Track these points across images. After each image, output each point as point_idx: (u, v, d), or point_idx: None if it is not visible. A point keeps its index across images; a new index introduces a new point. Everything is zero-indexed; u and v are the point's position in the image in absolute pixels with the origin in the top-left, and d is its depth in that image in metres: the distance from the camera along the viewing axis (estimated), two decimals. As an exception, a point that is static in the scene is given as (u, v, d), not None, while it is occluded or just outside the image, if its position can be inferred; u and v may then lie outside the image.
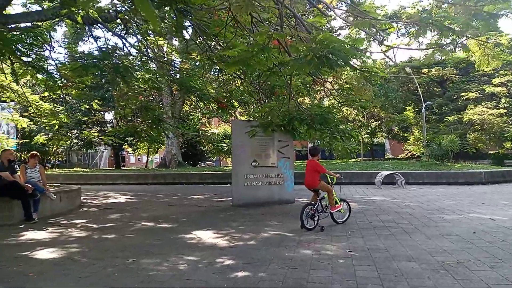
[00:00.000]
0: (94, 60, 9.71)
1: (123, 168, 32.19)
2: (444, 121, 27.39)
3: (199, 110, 27.43)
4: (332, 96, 9.51)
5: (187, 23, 10.50)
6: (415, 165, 19.16)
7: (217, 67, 10.44)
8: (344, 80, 8.88)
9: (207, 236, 5.63)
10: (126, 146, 31.44)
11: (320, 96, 23.78)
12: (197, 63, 15.10)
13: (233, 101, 11.56)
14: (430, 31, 6.39)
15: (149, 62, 14.58)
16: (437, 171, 16.30)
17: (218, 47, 9.90)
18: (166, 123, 14.11)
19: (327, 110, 8.32)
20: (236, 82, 15.72)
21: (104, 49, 10.21)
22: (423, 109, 25.49)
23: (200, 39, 10.73)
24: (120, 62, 8.74)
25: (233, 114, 16.50)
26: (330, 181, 6.52)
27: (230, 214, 7.96)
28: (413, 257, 4.34)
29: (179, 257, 4.40)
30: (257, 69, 5.86)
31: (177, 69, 15.17)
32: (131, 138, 27.77)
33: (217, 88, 13.76)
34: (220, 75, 16.50)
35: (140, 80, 10.73)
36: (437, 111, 29.32)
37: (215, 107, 14.22)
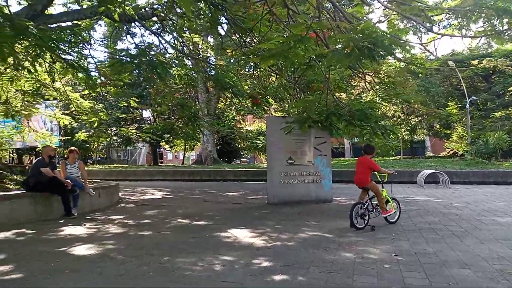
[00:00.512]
0: (129, 59, 9.84)
1: (160, 164, 32.84)
2: (490, 117, 25.85)
3: (233, 107, 27.51)
4: (372, 91, 9.08)
5: (222, 19, 10.40)
6: (460, 163, 18.18)
7: (252, 63, 10.26)
8: (385, 73, 8.43)
9: (242, 235, 5.46)
10: (163, 143, 32.01)
11: (357, 92, 23.10)
12: (232, 60, 15.02)
13: (268, 97, 11.34)
14: (483, 17, 5.87)
15: (185, 59, 14.64)
16: (484, 170, 15.35)
17: (253, 42, 9.73)
18: (201, 120, 14.12)
19: (368, 105, 7.93)
20: (271, 78, 15.52)
21: (140, 46, 10.29)
22: (467, 105, 24.16)
23: (235, 34, 10.62)
24: (155, 59, 8.74)
25: (268, 111, 16.30)
26: (380, 180, 6.23)
27: (266, 212, 7.77)
28: (466, 264, 3.96)
29: (215, 257, 4.25)
30: (294, 62, 5.60)
31: (212, 66, 15.17)
32: (168, 135, 28.24)
33: (251, 85, 13.61)
34: (255, 71, 16.34)
35: (176, 76, 10.73)
36: (482, 106, 27.72)
37: (249, 104, 14.09)
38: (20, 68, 13.40)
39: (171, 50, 13.76)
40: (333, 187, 9.51)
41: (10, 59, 12.62)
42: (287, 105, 12.42)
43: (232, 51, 11.95)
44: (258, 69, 12.10)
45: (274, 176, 8.97)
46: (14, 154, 24.69)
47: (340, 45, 6.09)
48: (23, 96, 14.10)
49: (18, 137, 16.96)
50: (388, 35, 5.79)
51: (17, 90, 13.78)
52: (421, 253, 4.41)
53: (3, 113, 13.89)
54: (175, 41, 13.11)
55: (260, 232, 5.65)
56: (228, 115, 30.89)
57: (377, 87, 8.47)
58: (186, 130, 15.10)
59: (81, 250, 4.59)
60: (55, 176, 7.13)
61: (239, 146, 33.51)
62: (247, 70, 17.33)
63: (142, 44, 10.84)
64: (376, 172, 6.20)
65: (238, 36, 10.45)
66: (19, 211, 6.56)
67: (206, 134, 25.24)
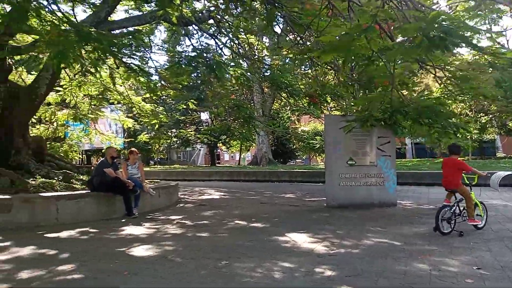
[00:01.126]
0: (187, 61, 9.99)
1: (217, 165, 33.43)
2: None
3: (288, 107, 27.21)
4: (442, 86, 8.34)
5: (278, 17, 10.18)
6: (541, 164, 16.36)
7: (309, 61, 9.93)
8: (455, 66, 7.68)
9: (302, 239, 5.18)
10: (220, 144, 32.56)
11: (419, 89, 21.75)
12: (287, 60, 14.77)
13: (326, 95, 10.93)
14: None
15: (241, 60, 14.63)
16: None
17: (311, 39, 9.40)
18: (256, 120, 14.03)
19: (439, 101, 7.28)
20: (328, 76, 15.03)
21: (198, 48, 10.39)
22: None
23: (291, 33, 10.35)
24: (212, 60, 8.76)
25: (325, 110, 15.82)
26: (469, 182, 5.76)
27: (325, 215, 7.41)
28: None
29: (274, 263, 4.02)
30: (356, 56, 5.22)
31: (267, 66, 15.03)
32: (225, 137, 28.67)
33: (307, 84, 13.25)
34: (310, 69, 15.92)
35: (232, 77, 10.70)
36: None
37: (305, 104, 13.74)
38: (87, 73, 14.20)
39: (227, 52, 13.83)
40: (397, 190, 8.89)
41: (78, 66, 13.40)
42: (345, 104, 11.92)
43: (288, 49, 11.71)
44: (315, 68, 11.74)
45: (333, 178, 8.56)
46: (83, 155, 26.45)
47: (406, 37, 5.61)
48: (90, 101, 14.95)
49: (86, 139, 18.00)
50: (462, 24, 5.23)
51: (84, 95, 14.63)
52: (509, 267, 3.84)
53: (72, 117, 14.80)
54: (231, 42, 13.15)
55: (321, 237, 5.33)
56: (283, 115, 30.67)
57: (448, 81, 7.75)
58: (241, 131, 15.12)
59: (140, 251, 4.59)
60: (118, 176, 7.33)
61: (294, 147, 33.14)
62: (302, 69, 16.98)
63: (200, 46, 10.90)
64: (464, 174, 5.67)
65: (294, 34, 10.19)
66: (84, 210, 6.82)
67: (261, 135, 25.21)
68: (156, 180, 11.74)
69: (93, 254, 4.41)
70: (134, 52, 9.42)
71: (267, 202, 9.69)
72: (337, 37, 4.71)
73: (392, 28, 6.05)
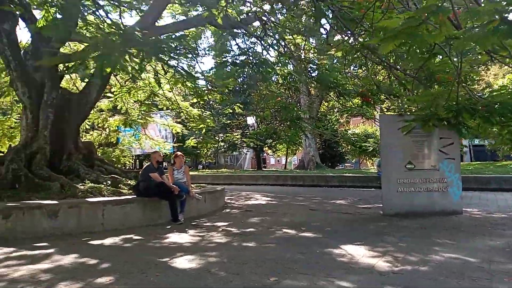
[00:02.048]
0: (232, 60, 9.75)
1: (263, 169, 33.15)
2: None
3: (335, 110, 26.28)
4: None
5: (326, 13, 9.66)
6: None
7: (361, 59, 9.30)
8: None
9: (360, 253, 4.63)
10: (266, 148, 32.26)
11: (481, 87, 20.08)
12: (335, 60, 14.16)
13: (380, 94, 10.21)
14: None
15: (287, 61, 14.21)
16: None
17: (362, 35, 8.80)
18: (304, 122, 13.52)
19: (513, 95, 6.40)
20: (378, 77, 14.19)
21: (244, 48, 10.12)
22: None
23: (340, 29, 9.79)
24: (259, 58, 8.42)
25: (376, 110, 14.98)
26: None
27: (383, 225, 6.76)
28: None
29: (330, 281, 3.54)
30: (422, 44, 4.59)
31: (315, 66, 14.50)
32: (271, 140, 28.31)
33: (359, 83, 12.55)
34: (361, 68, 15.15)
35: (279, 77, 10.30)
36: None
37: (357, 104, 13.04)
38: (136, 80, 14.45)
39: (273, 54, 13.47)
40: (462, 196, 8.01)
41: (123, 70, 13.63)
42: (400, 103, 11.10)
43: (337, 47, 11.13)
44: (366, 66, 11.06)
45: (390, 183, 7.86)
46: (135, 160, 27.27)
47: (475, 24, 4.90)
48: (139, 106, 15.24)
49: (137, 144, 18.44)
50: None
51: (134, 101, 14.93)
52: None
53: (123, 123, 15.16)
54: (277, 43, 12.79)
55: (381, 250, 4.74)
56: (331, 117, 29.77)
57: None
58: (288, 134, 14.67)
59: (182, 262, 4.29)
60: (163, 181, 7.17)
61: (343, 150, 32.05)
62: (351, 68, 16.23)
63: (246, 48, 10.62)
64: None
65: (343, 33, 9.62)
66: (130, 215, 6.71)
67: (308, 138, 24.56)
68: (203, 185, 11.60)
69: (134, 265, 4.16)
70: (180, 56, 9.31)
71: (317, 208, 9.15)
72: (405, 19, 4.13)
73: (459, 15, 5.35)
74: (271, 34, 12.39)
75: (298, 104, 23.03)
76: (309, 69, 13.62)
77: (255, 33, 13.15)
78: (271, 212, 8.58)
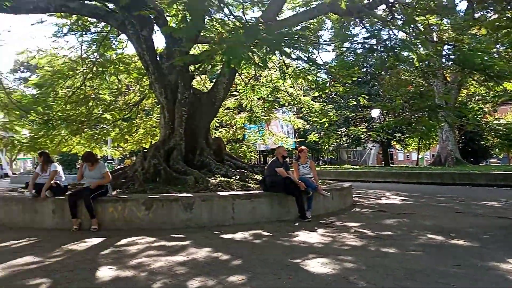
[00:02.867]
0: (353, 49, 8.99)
1: (391, 165, 30.94)
2: None
3: (477, 97, 22.89)
4: None
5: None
6: None
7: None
8: None
9: (540, 271, 3.61)
10: (395, 143, 29.98)
11: None
12: (478, 38, 12.12)
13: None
14: None
15: (419, 45, 12.73)
16: None
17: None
18: (444, 109, 11.89)
19: None
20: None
21: (372, 31, 9.29)
22: None
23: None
24: (392, 40, 7.55)
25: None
26: None
27: None
28: None
29: (507, 308, 2.74)
30: None
31: (454, 48, 12.65)
32: (400, 134, 26.15)
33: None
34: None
35: (415, 60, 9.16)
36: None
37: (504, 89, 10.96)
38: (259, 77, 14.66)
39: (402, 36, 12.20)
40: None
41: (252, 71, 13.91)
42: None
43: (483, 22, 9.45)
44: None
45: None
46: (260, 155, 28.17)
47: None
48: (262, 103, 15.50)
49: (261, 140, 18.87)
50: None
51: (258, 98, 15.23)
52: None
53: (248, 120, 15.60)
54: (407, 26, 11.49)
55: None
56: (473, 107, 26.07)
57: None
58: (424, 125, 13.15)
59: (315, 265, 3.91)
60: (289, 176, 6.93)
61: (488, 143, 27.84)
62: (498, 47, 13.74)
63: (374, 30, 9.73)
64: None
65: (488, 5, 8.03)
66: (258, 210, 6.64)
67: (445, 131, 21.90)
68: (328, 181, 11.10)
69: (265, 264, 3.95)
70: (303, 47, 8.99)
71: (464, 211, 7.84)
72: None
73: None
74: (399, 17, 11.18)
75: (431, 93, 20.68)
76: (447, 50, 11.91)
77: (379, 18, 12.08)
78: (408, 213, 7.64)
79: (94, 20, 10.81)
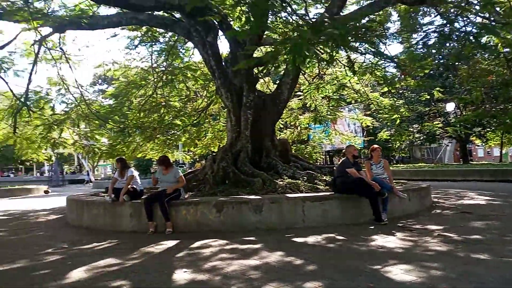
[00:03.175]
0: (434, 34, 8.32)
1: (471, 163, 28.53)
2: None
3: None
4: None
5: None
6: None
7: None
8: None
9: None
10: (474, 138, 27.58)
11: None
12: None
13: None
14: None
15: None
16: None
17: None
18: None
19: None
20: None
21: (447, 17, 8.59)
22: None
23: None
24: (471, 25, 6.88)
25: None
26: None
27: None
28: None
29: None
30: None
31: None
32: (479, 128, 23.99)
33: None
34: None
35: (499, 45, 8.29)
36: None
37: None
38: (323, 75, 14.31)
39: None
40: None
41: (315, 69, 13.62)
42: None
43: None
44: None
45: None
46: (326, 156, 27.58)
47: None
48: (327, 102, 15.10)
49: (327, 140, 18.41)
50: None
51: (322, 97, 14.87)
52: None
53: (312, 120, 15.30)
54: (485, 11, 10.46)
55: None
56: None
57: None
58: (510, 118, 11.88)
59: (398, 272, 3.61)
60: (361, 177, 6.59)
61: None
62: None
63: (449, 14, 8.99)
64: None
65: None
66: (329, 213, 6.40)
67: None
68: (402, 181, 10.45)
69: (341, 270, 3.74)
70: (371, 40, 8.55)
71: None
72: None
73: None
74: (475, 1, 10.21)
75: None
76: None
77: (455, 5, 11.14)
78: (498, 215, 6.89)
79: (162, 30, 11.33)
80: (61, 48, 9.80)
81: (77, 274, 3.99)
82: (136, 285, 3.54)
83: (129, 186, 6.94)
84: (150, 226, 6.30)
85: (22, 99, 9.71)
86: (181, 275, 3.78)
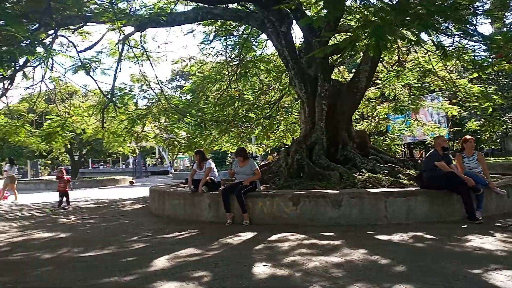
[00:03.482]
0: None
1: None
2: None
3: None
4: None
5: None
6: None
7: None
8: None
9: None
10: None
11: None
12: None
13: None
14: None
15: None
16: None
17: None
18: None
19: None
20: None
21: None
22: None
23: None
24: None
25: None
26: None
27: None
28: None
29: None
30: None
31: None
32: None
33: None
34: None
35: None
36: None
37: None
38: (404, 62, 13.37)
39: None
40: None
41: (395, 55, 12.78)
42: None
43: None
44: None
45: None
46: (406, 148, 25.97)
47: None
48: (409, 91, 14.10)
49: (408, 131, 17.28)
50: None
51: (403, 86, 13.93)
52: None
53: (392, 110, 14.42)
54: None
55: None
56: None
57: None
58: None
59: (503, 279, 3.15)
60: (452, 171, 6.00)
61: None
62: None
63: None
64: None
65: None
66: (415, 209, 5.92)
67: None
68: (498, 176, 9.39)
69: (434, 273, 3.38)
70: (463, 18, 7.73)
71: None
72: None
73: None
74: None
75: None
76: None
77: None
78: None
79: (236, 24, 11.40)
80: (142, 46, 10.30)
81: (160, 262, 4.12)
82: (216, 277, 3.55)
83: (207, 178, 7.10)
84: (227, 217, 6.38)
85: (109, 96, 10.41)
86: (261, 269, 3.71)
